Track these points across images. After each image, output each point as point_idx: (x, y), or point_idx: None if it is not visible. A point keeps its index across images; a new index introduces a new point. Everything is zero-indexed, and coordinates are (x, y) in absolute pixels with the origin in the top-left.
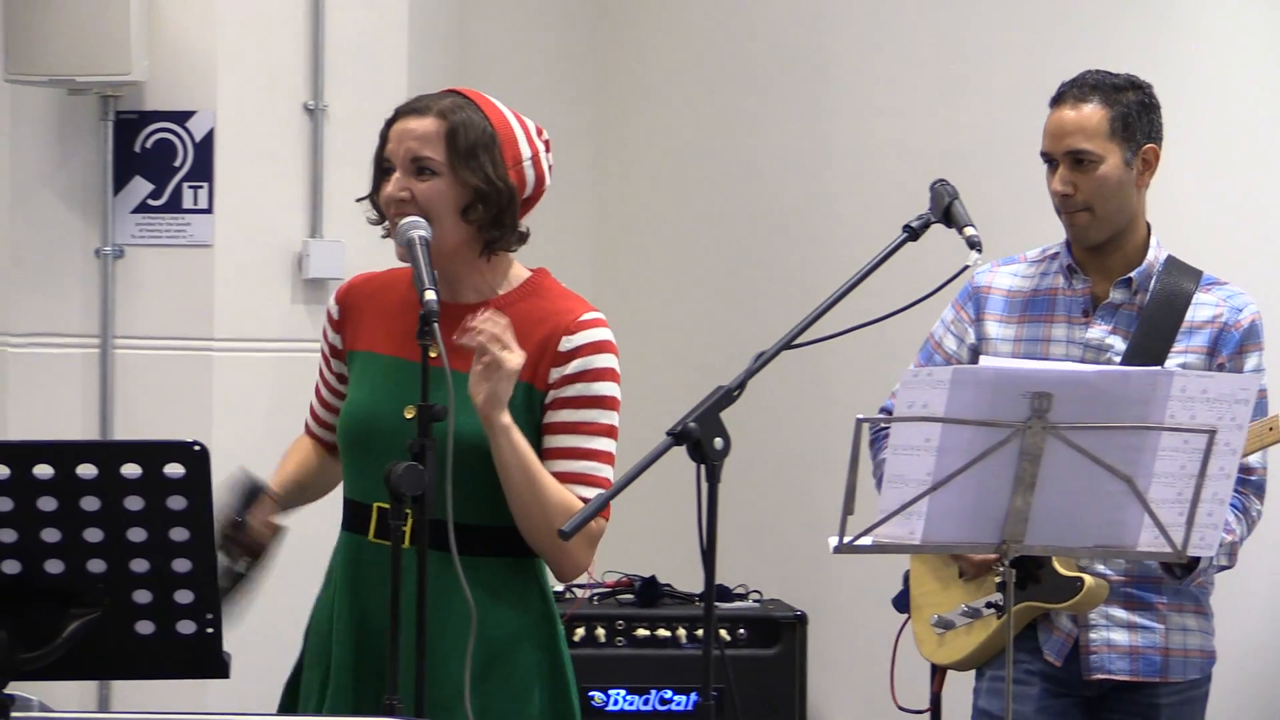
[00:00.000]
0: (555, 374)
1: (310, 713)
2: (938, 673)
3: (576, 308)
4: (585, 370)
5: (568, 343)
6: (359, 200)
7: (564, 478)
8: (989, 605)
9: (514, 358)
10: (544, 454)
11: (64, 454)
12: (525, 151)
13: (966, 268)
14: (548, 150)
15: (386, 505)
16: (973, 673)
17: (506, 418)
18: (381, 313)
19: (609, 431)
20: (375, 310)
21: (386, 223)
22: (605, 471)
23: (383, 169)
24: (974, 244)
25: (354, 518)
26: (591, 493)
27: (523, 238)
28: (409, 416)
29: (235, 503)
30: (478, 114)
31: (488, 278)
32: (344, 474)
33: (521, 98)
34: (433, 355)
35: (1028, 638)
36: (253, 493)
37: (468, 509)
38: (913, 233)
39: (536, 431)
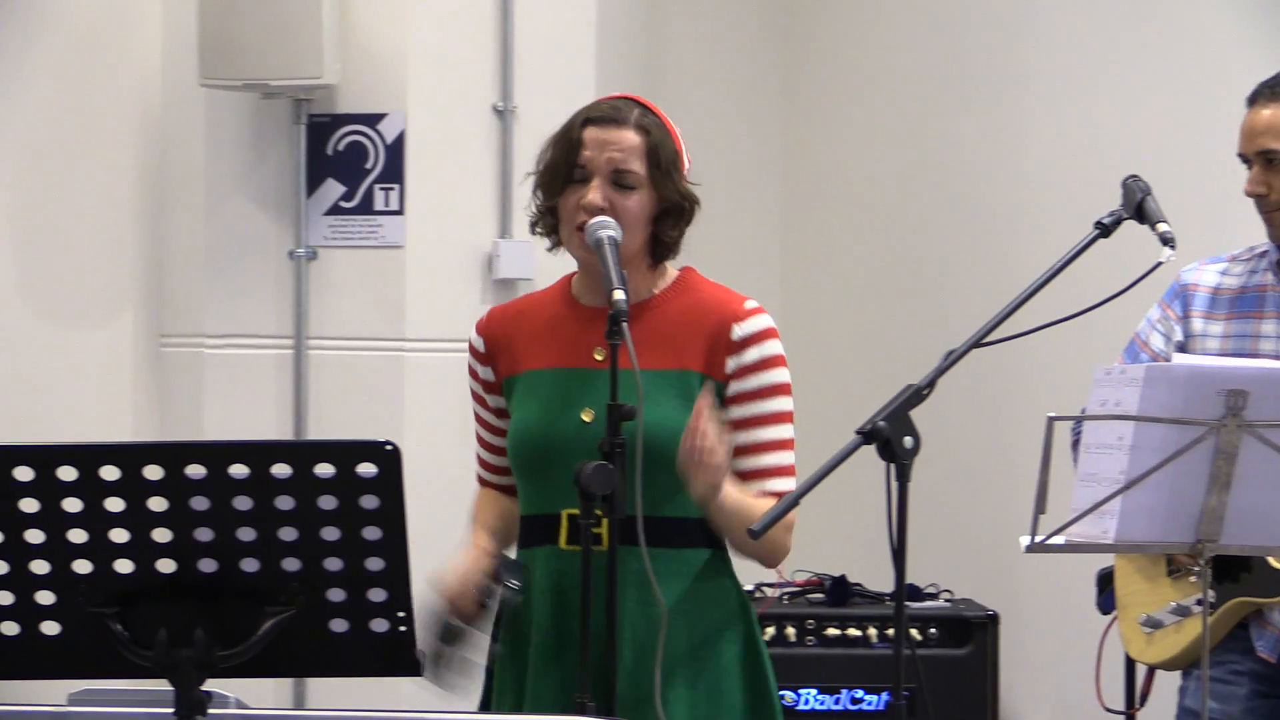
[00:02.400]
0: (732, 363)
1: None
2: (1148, 673)
3: (737, 297)
4: (762, 359)
5: (739, 330)
6: (537, 206)
7: (756, 474)
8: (1199, 603)
9: (724, 469)
10: (734, 450)
11: (259, 454)
12: (687, 163)
13: (1160, 264)
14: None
15: (576, 511)
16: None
17: (718, 496)
18: (533, 334)
19: (790, 418)
20: (525, 333)
21: (557, 234)
22: (790, 459)
23: (570, 174)
24: (1167, 240)
25: (540, 531)
26: (784, 484)
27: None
28: (586, 419)
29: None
30: (663, 129)
31: (647, 281)
32: (522, 494)
33: (710, 96)
34: (598, 357)
35: (1239, 636)
36: (519, 569)
37: (662, 502)
38: (1104, 229)
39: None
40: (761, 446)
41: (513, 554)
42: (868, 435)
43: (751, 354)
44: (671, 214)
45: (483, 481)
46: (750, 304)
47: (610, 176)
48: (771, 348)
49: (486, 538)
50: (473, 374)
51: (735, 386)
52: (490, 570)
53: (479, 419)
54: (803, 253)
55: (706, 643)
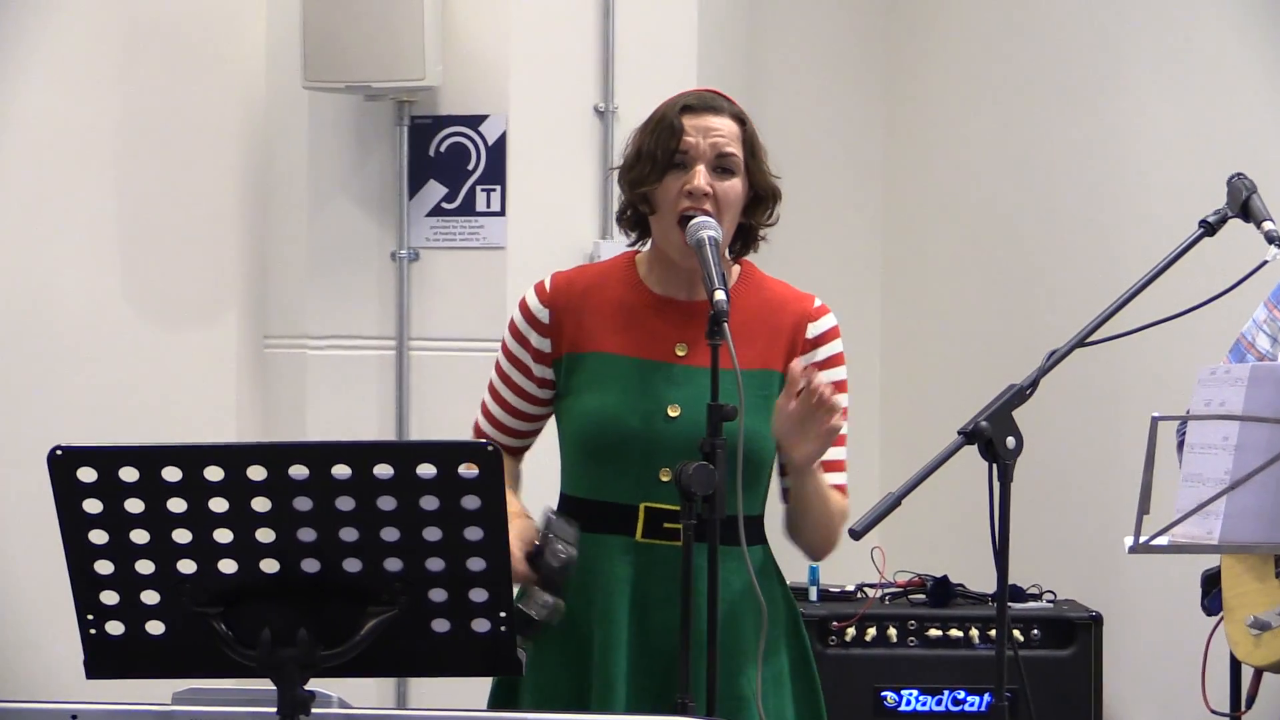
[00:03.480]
0: (805, 361)
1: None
2: (1255, 675)
3: (805, 295)
4: (830, 356)
5: (813, 329)
6: (638, 190)
7: (821, 466)
8: None
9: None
10: None
11: (361, 455)
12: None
13: (1265, 263)
14: None
15: (656, 505)
16: None
17: (818, 463)
18: (602, 314)
19: (846, 414)
20: (595, 310)
21: (644, 226)
22: (845, 454)
23: (671, 160)
24: (1273, 239)
25: (610, 520)
26: (841, 478)
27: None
28: (673, 415)
29: (571, 546)
30: (748, 119)
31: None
32: (582, 476)
33: (812, 98)
34: (680, 353)
35: None
36: (568, 531)
37: (746, 503)
38: (1209, 228)
39: None
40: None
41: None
42: (970, 435)
43: (822, 352)
44: (762, 203)
45: (479, 434)
46: (819, 302)
47: (713, 162)
48: (837, 346)
49: (518, 504)
50: (520, 339)
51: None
52: (546, 535)
53: (508, 381)
54: (904, 253)
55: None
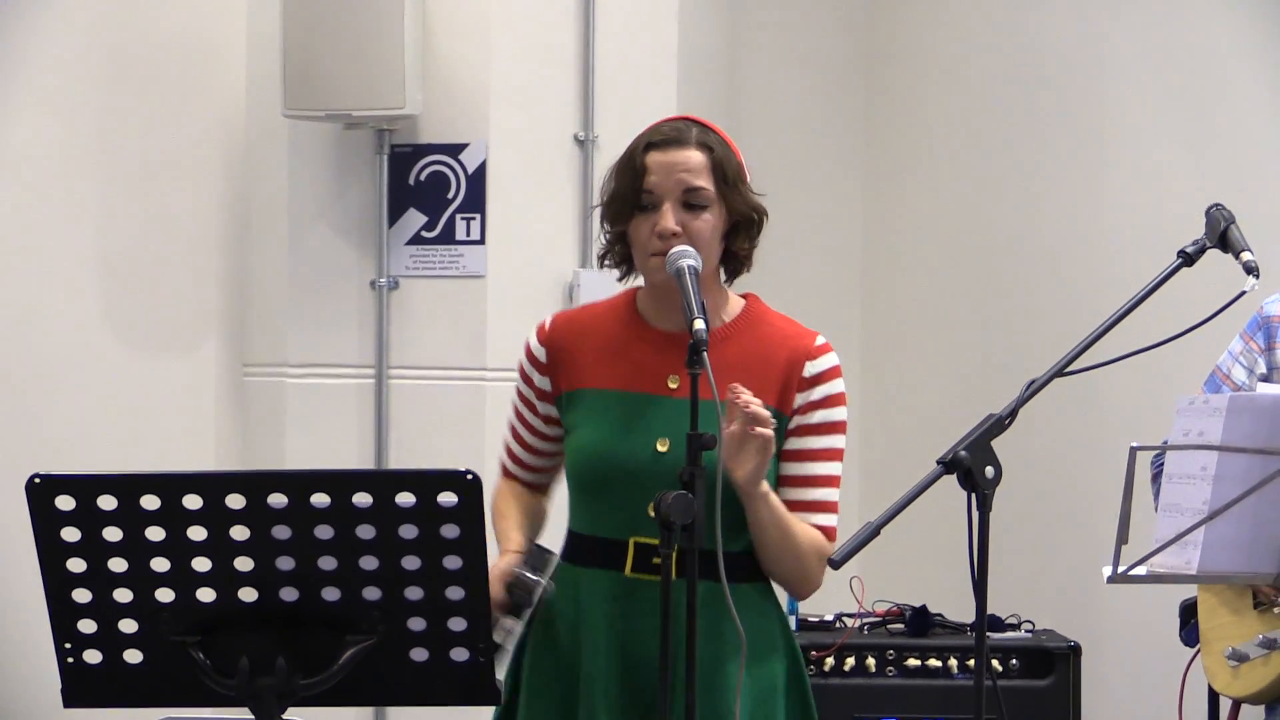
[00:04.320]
0: (800, 399)
1: None
2: (1233, 707)
3: (807, 332)
4: (827, 396)
5: (811, 368)
6: (605, 236)
7: (804, 506)
8: None
9: (772, 445)
10: (782, 480)
11: (340, 483)
12: (749, 174)
13: (1243, 293)
14: None
15: (645, 540)
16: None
17: (764, 485)
18: (598, 350)
19: (841, 456)
20: (591, 348)
21: (628, 264)
22: (837, 495)
23: (639, 202)
24: (1251, 269)
25: (600, 554)
26: (828, 519)
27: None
28: (662, 449)
29: (541, 576)
30: (723, 144)
31: (717, 307)
32: (579, 511)
33: (793, 125)
34: (672, 385)
35: None
36: (547, 561)
37: (730, 537)
38: (1188, 258)
39: (780, 455)
40: (813, 480)
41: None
42: (949, 465)
43: (819, 391)
44: (743, 227)
45: (508, 474)
46: (820, 340)
47: (680, 198)
48: (836, 386)
49: (518, 534)
50: (525, 378)
51: (798, 420)
52: (521, 564)
53: (521, 418)
54: (884, 283)
55: (760, 676)
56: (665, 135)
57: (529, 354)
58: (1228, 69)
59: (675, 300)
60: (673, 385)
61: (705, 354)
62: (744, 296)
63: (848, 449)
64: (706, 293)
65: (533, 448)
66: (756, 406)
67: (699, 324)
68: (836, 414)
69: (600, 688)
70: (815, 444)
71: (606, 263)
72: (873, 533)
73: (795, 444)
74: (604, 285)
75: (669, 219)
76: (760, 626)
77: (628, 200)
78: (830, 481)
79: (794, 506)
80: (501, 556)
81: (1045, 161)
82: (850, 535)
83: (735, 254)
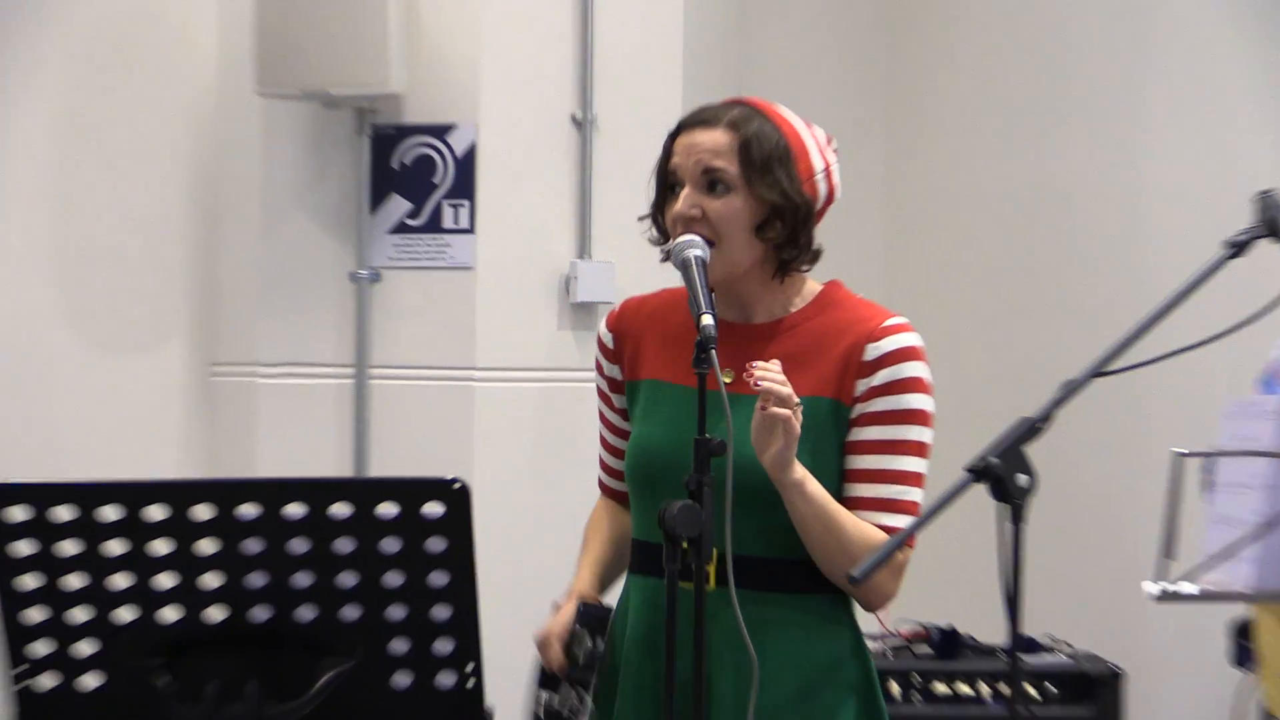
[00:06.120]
0: (861, 386)
1: None
2: None
3: (878, 314)
4: (893, 381)
5: (873, 350)
6: (641, 219)
7: (868, 504)
8: None
9: (797, 425)
10: (847, 475)
11: (317, 492)
12: (818, 164)
13: None
14: (837, 160)
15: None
16: None
17: (797, 473)
18: (665, 338)
19: (919, 449)
20: (657, 335)
21: (670, 243)
22: (914, 495)
23: (668, 185)
24: None
25: (648, 560)
26: (898, 520)
27: (816, 255)
28: None
29: (593, 643)
30: (769, 125)
31: (780, 296)
32: (634, 514)
33: (807, 100)
34: (726, 380)
35: None
36: (605, 621)
37: (770, 543)
38: (1237, 249)
39: (841, 451)
40: (878, 474)
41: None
42: (979, 473)
43: (883, 375)
44: (779, 217)
45: (603, 488)
46: (891, 321)
47: (700, 180)
48: (907, 369)
49: (590, 577)
50: (599, 369)
51: (859, 409)
52: (578, 621)
53: (603, 418)
54: (906, 278)
55: (815, 700)
56: (695, 116)
57: (600, 343)
58: (1260, 62)
59: (732, 289)
60: (727, 380)
61: (714, 351)
62: (826, 285)
63: None
64: (756, 285)
65: (614, 448)
66: (772, 383)
67: (706, 320)
68: (908, 401)
69: (632, 701)
70: (880, 434)
71: (664, 252)
72: (896, 546)
73: (857, 435)
74: (603, 278)
75: (682, 201)
76: (822, 651)
77: (659, 183)
78: (901, 478)
79: (857, 504)
80: (567, 600)
81: (1078, 148)
82: (872, 533)
83: (778, 246)
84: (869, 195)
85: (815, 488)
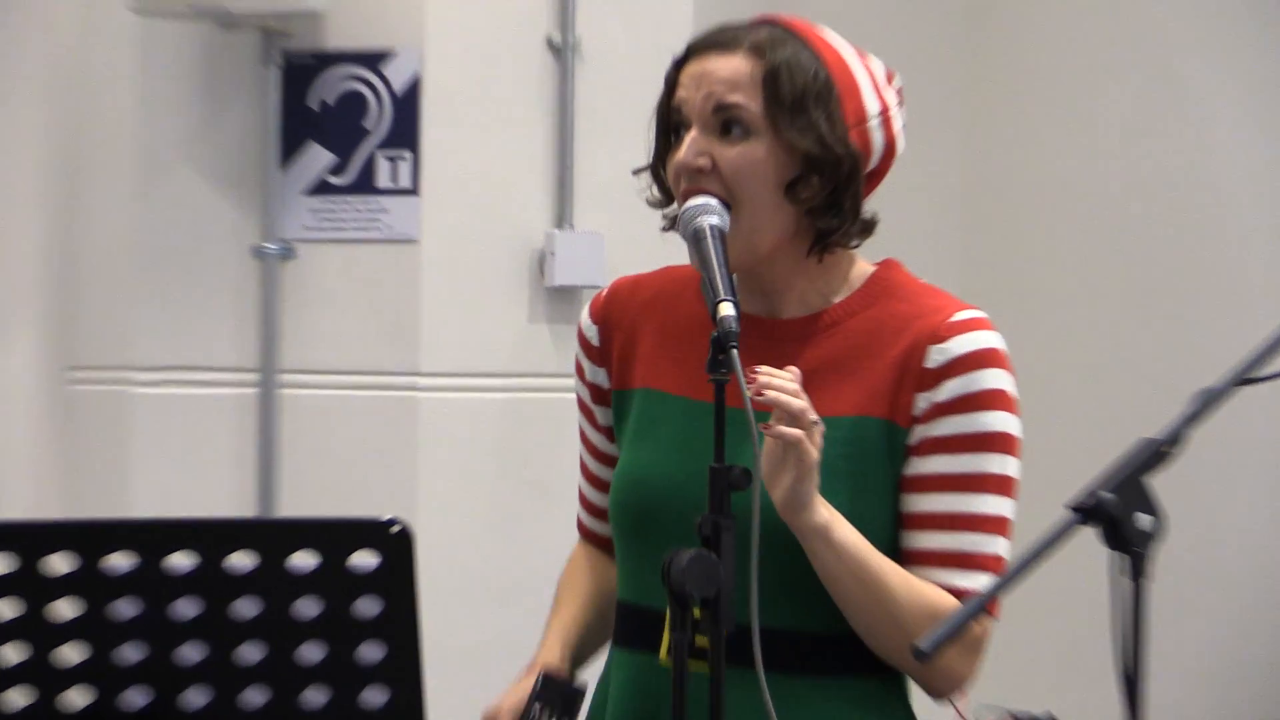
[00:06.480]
0: (923, 402)
1: None
2: None
3: (946, 305)
4: (966, 395)
5: (938, 355)
6: (637, 173)
7: (933, 559)
8: None
9: (814, 452)
10: (905, 521)
11: (210, 537)
12: (872, 106)
13: None
14: (900, 104)
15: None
16: None
17: (819, 515)
18: (666, 333)
19: (1001, 486)
20: (655, 329)
21: (676, 205)
22: (994, 546)
23: (671, 128)
24: None
25: (634, 628)
26: (973, 581)
27: (867, 228)
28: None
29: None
30: (806, 52)
31: (818, 282)
32: (620, 567)
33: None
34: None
35: None
36: (573, 701)
37: (799, 611)
38: None
39: (896, 489)
40: (949, 520)
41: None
42: (1087, 512)
43: (951, 387)
44: (816, 173)
45: (583, 531)
46: (963, 315)
47: (711, 121)
48: (985, 379)
49: (558, 645)
50: (579, 373)
51: (920, 432)
52: (535, 698)
53: (584, 438)
54: (991, 279)
55: None
56: (708, 38)
57: (582, 338)
58: None
59: (754, 271)
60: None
61: (734, 352)
62: (879, 265)
63: None
64: (786, 265)
65: (597, 479)
66: (779, 393)
67: (726, 309)
68: (985, 421)
69: None
70: (950, 467)
71: (666, 216)
72: (974, 611)
73: (919, 467)
74: (588, 254)
75: (686, 148)
76: None
77: (659, 127)
78: (979, 524)
79: (919, 560)
80: (527, 672)
81: (1169, 117)
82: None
83: (813, 210)
84: (943, 162)
85: (847, 535)
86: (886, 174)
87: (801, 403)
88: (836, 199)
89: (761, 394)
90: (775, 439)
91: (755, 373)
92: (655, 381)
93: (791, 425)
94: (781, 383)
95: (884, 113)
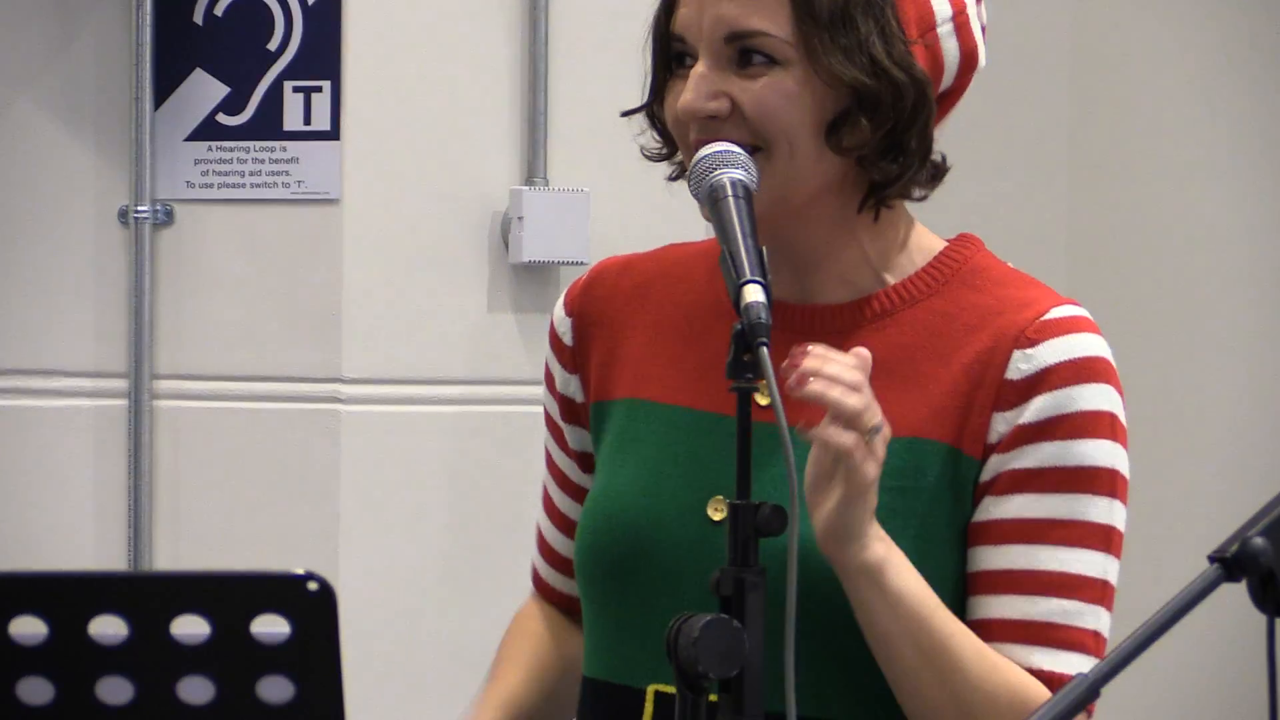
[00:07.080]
0: (1002, 424)
1: None
2: None
3: (1037, 298)
4: (1059, 417)
5: (1024, 363)
6: (627, 114)
7: (1008, 630)
8: None
9: (873, 466)
10: (974, 581)
11: (65, 595)
12: (941, 9)
13: None
14: (981, 5)
15: (670, 689)
16: None
17: (872, 551)
18: (660, 327)
19: (1104, 537)
20: (641, 325)
21: (680, 156)
22: (1094, 620)
23: (670, 58)
24: None
25: (605, 714)
26: (1062, 662)
27: (937, 171)
28: (717, 519)
29: None
30: None
31: (871, 253)
32: (588, 630)
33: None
34: (761, 403)
35: None
36: None
37: (835, 695)
38: None
39: (963, 537)
40: (1032, 580)
41: None
42: (1231, 563)
43: (1038, 407)
44: (867, 110)
45: (539, 585)
46: (1058, 312)
47: (723, 52)
48: (1085, 397)
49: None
50: (548, 381)
51: (998, 464)
52: None
53: (550, 465)
54: (1096, 290)
55: None
56: None
57: (553, 336)
58: None
59: (783, 238)
60: (762, 402)
61: (765, 352)
62: (953, 241)
63: None
64: (828, 230)
65: (563, 517)
66: (830, 384)
67: (753, 293)
68: (1084, 452)
69: None
70: (1035, 510)
71: (665, 161)
72: (1089, 691)
73: (994, 510)
74: (565, 220)
75: (695, 88)
76: None
77: (656, 56)
78: (1073, 586)
79: (989, 630)
80: None
81: None
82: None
83: (863, 155)
84: (1048, 136)
85: (907, 582)
86: (963, 93)
87: (860, 399)
88: (896, 140)
89: (794, 385)
90: (821, 445)
91: (803, 353)
92: (645, 389)
93: (848, 426)
94: (837, 370)
95: (960, 13)
